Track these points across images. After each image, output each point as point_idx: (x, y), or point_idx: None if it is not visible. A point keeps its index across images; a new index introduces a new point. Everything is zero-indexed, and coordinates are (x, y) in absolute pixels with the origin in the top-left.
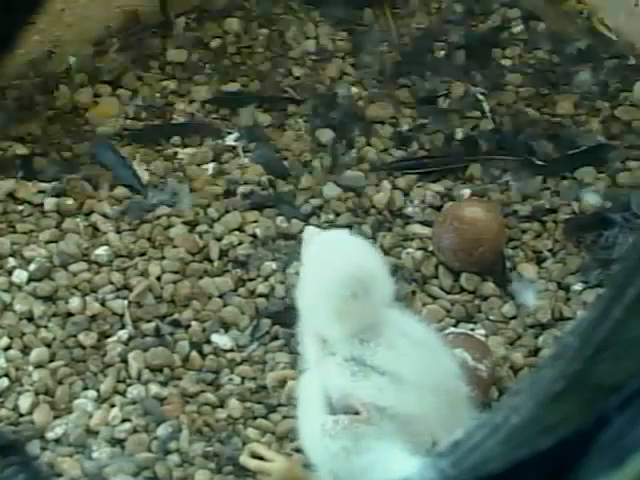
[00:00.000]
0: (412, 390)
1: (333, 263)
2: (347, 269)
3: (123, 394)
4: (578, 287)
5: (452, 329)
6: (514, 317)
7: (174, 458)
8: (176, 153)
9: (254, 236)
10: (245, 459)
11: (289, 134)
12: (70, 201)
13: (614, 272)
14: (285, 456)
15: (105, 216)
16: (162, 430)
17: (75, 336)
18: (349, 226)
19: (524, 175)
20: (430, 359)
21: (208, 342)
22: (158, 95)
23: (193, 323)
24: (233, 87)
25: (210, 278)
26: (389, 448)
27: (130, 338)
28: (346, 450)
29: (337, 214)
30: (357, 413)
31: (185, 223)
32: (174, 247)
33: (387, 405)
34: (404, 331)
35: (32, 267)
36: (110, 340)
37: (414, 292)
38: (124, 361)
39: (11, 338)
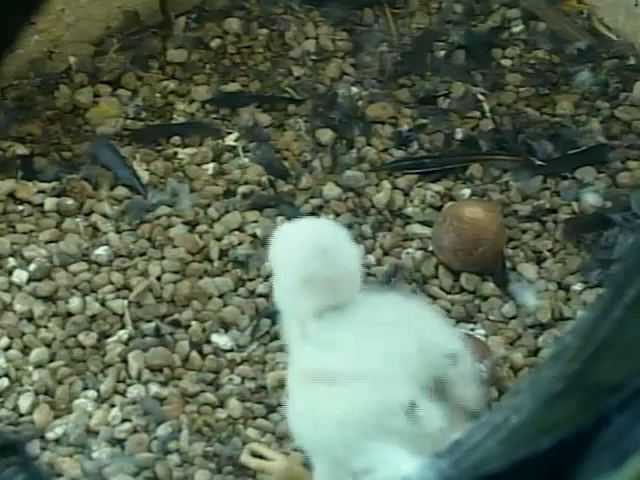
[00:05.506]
0: (374, 355)
1: (295, 237)
2: (309, 238)
3: (123, 394)
4: (578, 287)
5: None
6: (514, 317)
7: (174, 458)
8: (176, 153)
9: (254, 236)
10: (246, 458)
11: (289, 134)
12: (70, 201)
13: (614, 272)
14: (286, 455)
15: (105, 216)
16: (162, 430)
17: (75, 336)
18: (349, 226)
19: (524, 175)
20: (401, 339)
21: (208, 342)
22: (158, 95)
23: (193, 323)
24: (233, 87)
25: (210, 278)
26: (389, 448)
27: (130, 338)
28: (312, 405)
29: (337, 214)
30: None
31: (185, 223)
32: (174, 247)
33: (350, 370)
34: (376, 314)
35: (32, 267)
36: (110, 340)
37: (414, 292)
38: (124, 361)
39: (11, 338)
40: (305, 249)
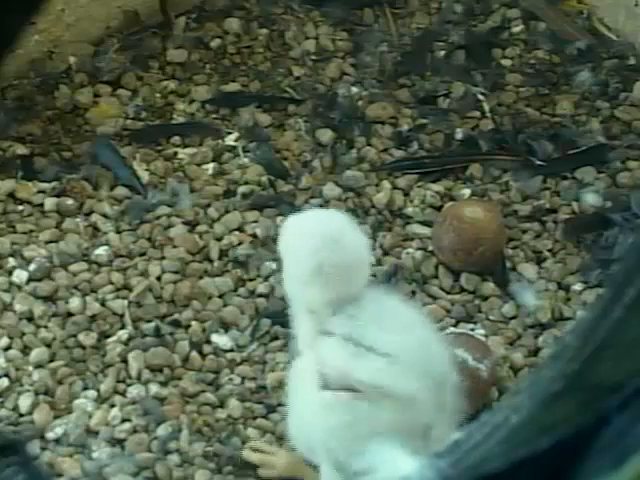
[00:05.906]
0: (407, 371)
1: (304, 227)
2: (319, 227)
3: (123, 394)
4: (578, 287)
5: (452, 329)
6: (514, 317)
7: (174, 458)
8: (176, 153)
9: (254, 236)
10: (248, 453)
11: (289, 134)
12: (70, 201)
13: (614, 272)
14: (288, 450)
15: (105, 216)
16: (162, 430)
17: (75, 336)
18: None
19: (524, 175)
20: (419, 341)
21: (208, 342)
22: (158, 95)
23: (193, 323)
24: (233, 87)
25: (210, 278)
26: (388, 448)
27: (130, 338)
28: (346, 424)
29: None
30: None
31: (185, 223)
32: (174, 247)
33: (384, 384)
34: (392, 312)
35: (32, 267)
36: (110, 340)
37: (414, 292)
38: (124, 361)
39: (11, 338)
40: (315, 238)
